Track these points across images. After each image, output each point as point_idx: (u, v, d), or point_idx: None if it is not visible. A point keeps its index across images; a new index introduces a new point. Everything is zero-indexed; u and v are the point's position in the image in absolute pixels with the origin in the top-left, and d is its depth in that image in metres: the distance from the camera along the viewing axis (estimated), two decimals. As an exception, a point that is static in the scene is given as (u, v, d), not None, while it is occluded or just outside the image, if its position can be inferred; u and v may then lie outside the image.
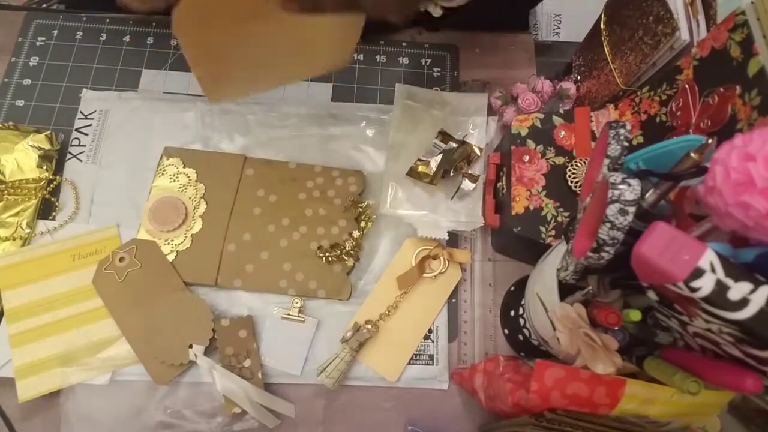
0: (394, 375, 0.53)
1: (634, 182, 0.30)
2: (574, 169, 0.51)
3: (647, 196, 0.34)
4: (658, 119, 0.49)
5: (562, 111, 0.54)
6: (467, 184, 0.57)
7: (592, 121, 0.54)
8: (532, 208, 0.51)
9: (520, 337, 0.53)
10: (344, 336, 0.52)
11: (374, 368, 0.53)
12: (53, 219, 0.56)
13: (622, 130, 0.35)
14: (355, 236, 0.56)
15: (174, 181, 0.58)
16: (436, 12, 0.59)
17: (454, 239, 0.59)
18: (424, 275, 0.56)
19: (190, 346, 0.51)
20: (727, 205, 0.27)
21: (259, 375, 0.51)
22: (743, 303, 0.26)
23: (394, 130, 0.60)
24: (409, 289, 0.55)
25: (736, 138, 0.27)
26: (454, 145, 0.59)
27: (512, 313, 0.55)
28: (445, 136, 0.60)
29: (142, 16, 0.66)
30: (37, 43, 0.65)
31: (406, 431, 0.52)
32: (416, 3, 0.53)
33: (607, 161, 0.35)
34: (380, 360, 0.53)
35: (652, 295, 0.33)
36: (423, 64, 0.67)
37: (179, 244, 0.55)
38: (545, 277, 0.41)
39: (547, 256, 0.45)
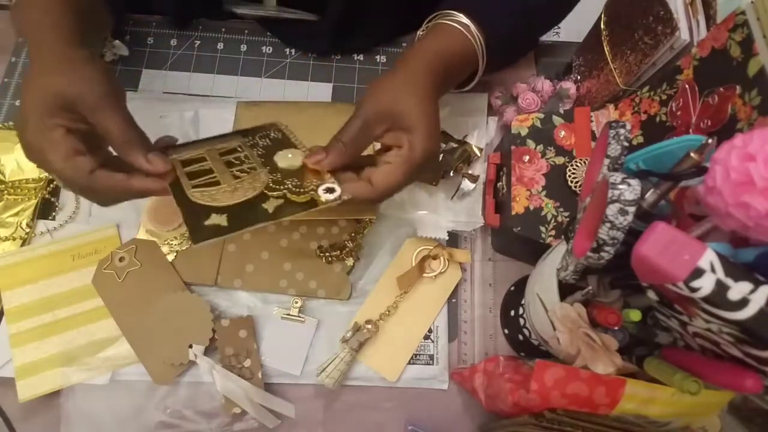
0: (394, 375, 0.53)
1: (634, 182, 0.30)
2: (574, 169, 0.51)
3: (647, 196, 0.34)
4: (658, 119, 0.49)
5: (562, 111, 0.54)
6: (467, 184, 0.57)
7: (592, 121, 0.54)
8: (532, 208, 0.51)
9: (520, 337, 0.53)
10: (344, 336, 0.52)
11: (374, 368, 0.53)
12: (53, 219, 0.56)
13: (622, 130, 0.35)
14: (355, 236, 0.56)
15: (174, 181, 0.58)
16: None
17: (454, 239, 0.59)
18: (424, 275, 0.56)
19: (190, 346, 0.51)
20: (727, 205, 0.27)
21: (259, 375, 0.51)
22: (743, 303, 0.26)
23: (394, 130, 0.60)
24: (409, 289, 0.55)
25: (736, 138, 0.27)
26: (454, 145, 0.59)
27: (512, 313, 0.55)
28: (444, 136, 0.60)
29: (142, 16, 0.66)
30: (37, 43, 0.64)
31: (406, 431, 0.52)
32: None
33: (607, 161, 0.35)
34: (380, 360, 0.53)
35: (652, 295, 0.33)
36: (423, 64, 0.67)
37: (179, 244, 0.55)
38: (545, 277, 0.41)
39: (547, 256, 0.45)
